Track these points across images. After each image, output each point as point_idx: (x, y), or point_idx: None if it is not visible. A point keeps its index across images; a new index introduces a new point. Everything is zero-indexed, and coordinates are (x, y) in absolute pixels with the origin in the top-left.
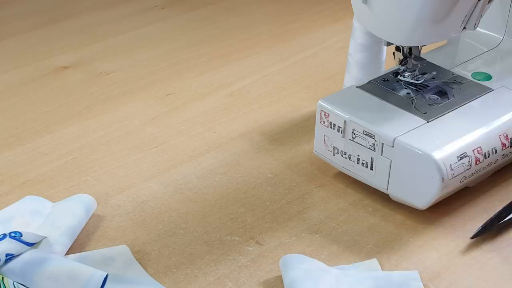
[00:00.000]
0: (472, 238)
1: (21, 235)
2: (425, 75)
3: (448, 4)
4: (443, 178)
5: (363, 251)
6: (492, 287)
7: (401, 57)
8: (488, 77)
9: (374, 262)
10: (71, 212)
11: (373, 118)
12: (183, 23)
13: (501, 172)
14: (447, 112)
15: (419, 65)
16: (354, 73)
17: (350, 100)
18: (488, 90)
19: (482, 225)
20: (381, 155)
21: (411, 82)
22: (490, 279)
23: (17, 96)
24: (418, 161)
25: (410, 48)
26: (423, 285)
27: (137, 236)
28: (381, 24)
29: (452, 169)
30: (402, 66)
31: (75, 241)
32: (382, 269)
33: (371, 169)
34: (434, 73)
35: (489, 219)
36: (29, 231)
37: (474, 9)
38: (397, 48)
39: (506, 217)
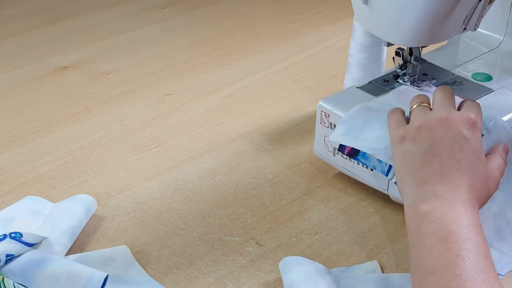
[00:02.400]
0: None
1: (21, 236)
2: (424, 82)
3: (449, 4)
4: None
5: (364, 252)
6: None
7: (401, 62)
8: (488, 78)
9: (374, 264)
10: (71, 212)
11: None
12: (183, 23)
13: None
14: None
15: (418, 70)
16: (354, 74)
17: (350, 100)
18: (488, 91)
19: None
20: None
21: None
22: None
23: (17, 96)
24: None
25: (410, 49)
26: None
27: (137, 237)
28: (381, 24)
29: None
30: (402, 71)
31: (75, 241)
32: (383, 271)
33: (371, 169)
34: (434, 81)
35: None
36: (29, 231)
37: (474, 9)
38: (397, 53)
39: None
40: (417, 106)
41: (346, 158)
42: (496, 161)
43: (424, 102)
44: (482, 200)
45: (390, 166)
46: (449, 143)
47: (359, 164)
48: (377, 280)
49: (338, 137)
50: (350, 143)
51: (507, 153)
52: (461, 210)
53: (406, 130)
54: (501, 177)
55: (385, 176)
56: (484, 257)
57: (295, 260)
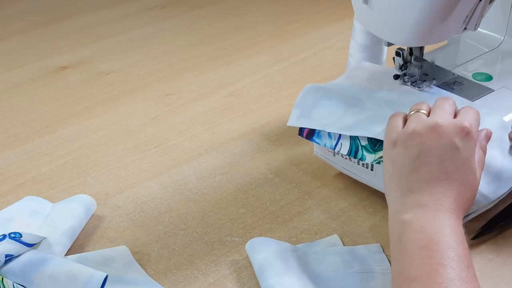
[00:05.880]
0: (472, 239)
1: (21, 236)
2: (425, 82)
3: (449, 4)
4: None
5: None
6: None
7: (401, 62)
8: (489, 78)
9: (335, 238)
10: (71, 212)
11: None
12: (183, 23)
13: None
14: None
15: (419, 70)
16: None
17: None
18: (489, 90)
19: (483, 226)
20: None
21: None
22: (490, 280)
23: (17, 96)
24: None
25: (410, 49)
26: (386, 256)
27: (137, 237)
28: (382, 24)
29: None
30: (402, 71)
31: (75, 241)
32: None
33: (372, 169)
34: (435, 81)
35: (490, 220)
36: (29, 231)
37: (475, 9)
38: (397, 53)
39: (507, 217)
40: (415, 112)
41: (339, 154)
42: (477, 156)
43: (423, 109)
44: (467, 207)
45: (338, 139)
46: (439, 151)
47: (355, 162)
48: (343, 252)
49: (294, 120)
50: (304, 124)
51: (489, 139)
52: (444, 220)
53: (399, 135)
54: (482, 170)
55: (333, 150)
56: (467, 267)
57: (262, 240)
